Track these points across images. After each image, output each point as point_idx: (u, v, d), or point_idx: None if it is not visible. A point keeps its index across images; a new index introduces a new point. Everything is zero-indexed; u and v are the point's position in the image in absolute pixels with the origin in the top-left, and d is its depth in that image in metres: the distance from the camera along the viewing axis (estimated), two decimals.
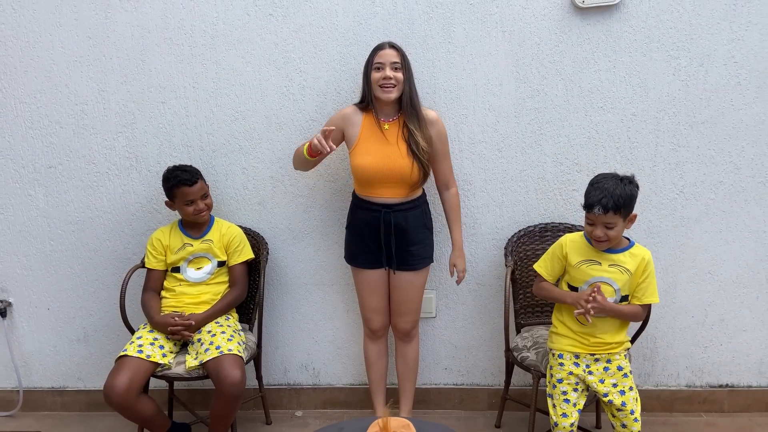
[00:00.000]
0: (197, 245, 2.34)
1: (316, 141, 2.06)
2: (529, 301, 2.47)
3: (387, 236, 2.21)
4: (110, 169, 2.51)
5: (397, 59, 2.15)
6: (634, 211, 1.99)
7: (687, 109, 2.41)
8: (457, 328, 2.64)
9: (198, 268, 2.34)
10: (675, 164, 2.45)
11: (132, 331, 2.38)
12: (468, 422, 2.58)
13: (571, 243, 2.08)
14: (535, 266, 2.15)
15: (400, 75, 2.15)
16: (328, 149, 2.05)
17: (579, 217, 2.48)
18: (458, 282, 2.38)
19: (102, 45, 2.40)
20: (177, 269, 2.34)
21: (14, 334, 2.67)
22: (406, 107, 2.18)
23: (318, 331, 2.67)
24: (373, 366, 2.46)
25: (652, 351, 2.62)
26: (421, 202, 2.28)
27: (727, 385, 2.65)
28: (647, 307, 2.09)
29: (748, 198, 2.47)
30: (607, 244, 1.99)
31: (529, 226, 2.48)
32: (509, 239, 2.47)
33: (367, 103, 2.22)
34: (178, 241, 2.34)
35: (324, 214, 2.55)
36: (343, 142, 2.28)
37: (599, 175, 2.02)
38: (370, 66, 2.18)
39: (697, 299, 2.56)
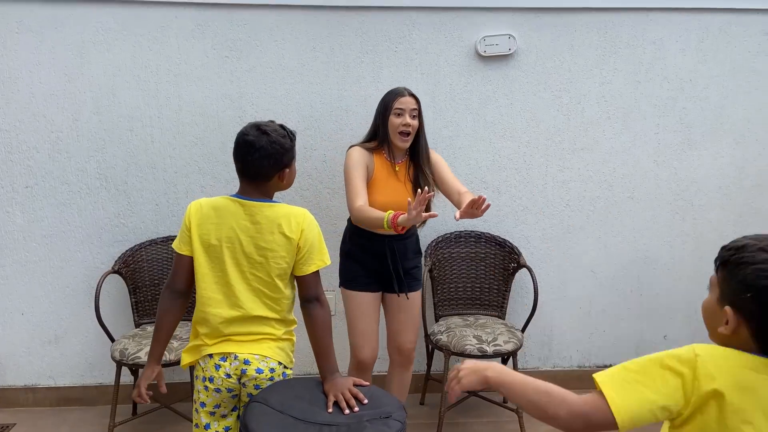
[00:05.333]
0: None
1: (414, 214, 1.93)
2: (445, 295, 2.96)
3: (394, 263, 2.34)
4: (82, 189, 2.85)
5: (416, 107, 2.30)
6: None
7: (570, 138, 2.98)
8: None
9: None
10: (562, 182, 3.01)
11: (108, 334, 2.68)
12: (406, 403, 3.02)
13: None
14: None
15: (416, 123, 2.31)
16: (432, 214, 2.00)
17: (486, 226, 2.99)
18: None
19: (76, 81, 2.76)
20: None
21: None
22: (423, 153, 2.35)
23: None
24: None
25: (549, 338, 3.15)
26: (415, 230, 2.47)
27: (610, 365, 3.19)
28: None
29: (620, 210, 3.05)
30: None
31: (446, 233, 2.98)
32: (429, 243, 2.95)
33: (380, 144, 2.34)
34: None
35: None
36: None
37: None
38: (388, 110, 2.29)
39: (583, 293, 3.11)
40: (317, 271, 1.82)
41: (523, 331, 2.82)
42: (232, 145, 1.81)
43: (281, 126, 1.81)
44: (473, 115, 2.93)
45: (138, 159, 2.84)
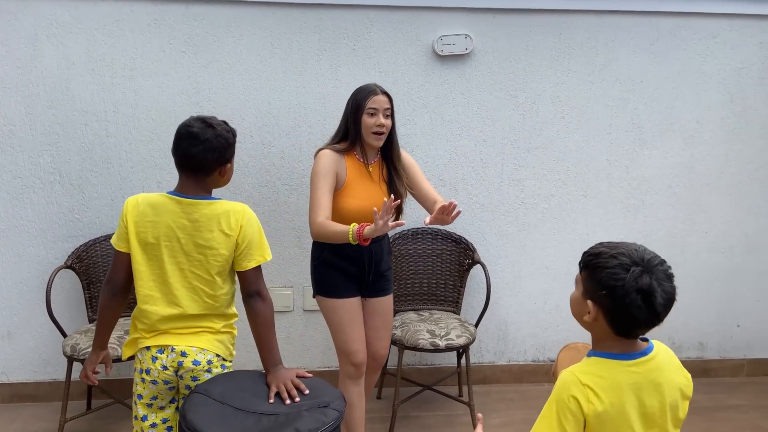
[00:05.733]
0: None
1: (381, 224, 1.92)
2: (402, 291, 3.00)
3: (370, 266, 2.28)
4: (35, 183, 2.82)
5: (389, 106, 2.22)
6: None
7: (525, 137, 3.04)
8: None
9: None
10: (517, 180, 3.07)
11: (60, 329, 2.67)
12: None
13: None
14: None
15: (389, 122, 2.22)
16: (398, 223, 1.98)
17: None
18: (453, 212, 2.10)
19: (30, 74, 2.72)
20: None
21: None
22: (395, 153, 2.29)
23: None
24: (356, 409, 2.34)
25: (504, 333, 3.21)
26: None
27: None
28: None
29: (573, 208, 3.12)
30: None
31: (403, 230, 3.02)
32: None
33: (351, 145, 2.24)
34: None
35: None
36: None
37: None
38: (361, 110, 2.20)
39: (537, 289, 3.18)
40: (258, 267, 1.84)
41: (476, 325, 2.87)
42: None
43: (224, 122, 1.82)
44: (431, 113, 2.97)
45: (93, 154, 2.82)
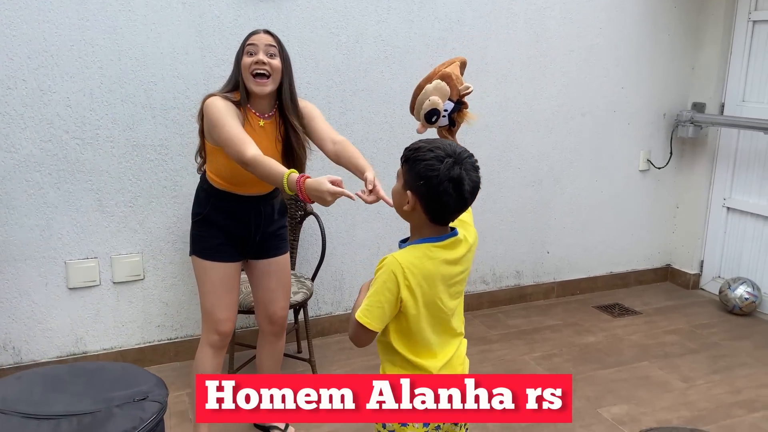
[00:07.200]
0: None
1: (339, 191, 1.69)
2: None
3: (257, 227, 2.07)
4: None
5: (273, 43, 1.93)
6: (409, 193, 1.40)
7: (350, 79, 2.89)
8: (167, 287, 2.78)
9: None
10: (345, 124, 2.93)
11: None
12: (184, 371, 2.77)
13: None
14: None
15: (276, 63, 1.91)
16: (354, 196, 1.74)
17: None
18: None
19: None
20: None
21: None
22: (287, 104, 1.97)
23: (14, 308, 2.56)
24: None
25: (340, 282, 3.13)
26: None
27: None
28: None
29: (401, 150, 3.07)
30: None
31: None
32: None
33: (241, 97, 1.93)
34: None
35: (6, 184, 2.43)
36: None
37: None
38: (241, 50, 1.93)
39: (371, 235, 3.13)
40: None
41: (313, 279, 2.74)
42: None
43: None
44: None
45: None
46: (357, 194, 1.77)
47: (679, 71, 3.67)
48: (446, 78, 1.61)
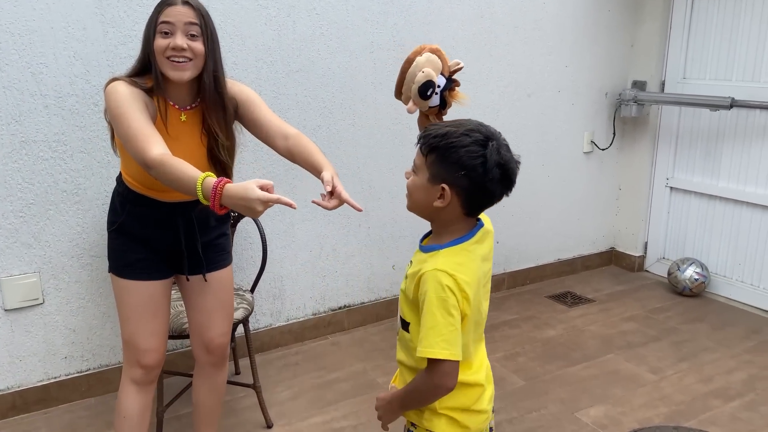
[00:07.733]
0: None
1: (271, 198, 1.36)
2: None
3: (189, 236, 1.70)
4: None
5: (195, 20, 1.52)
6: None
7: (282, 59, 2.53)
8: (72, 310, 2.33)
9: None
10: (279, 111, 2.53)
11: None
12: (99, 408, 2.33)
13: None
14: None
15: (198, 46, 1.53)
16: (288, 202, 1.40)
17: None
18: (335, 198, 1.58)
19: None
20: None
21: None
22: (210, 93, 1.58)
23: None
24: (135, 426, 1.76)
25: (280, 290, 2.78)
26: None
27: (345, 306, 3.00)
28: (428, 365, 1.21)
29: (342, 139, 2.76)
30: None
31: None
32: None
33: (154, 83, 1.55)
34: None
35: None
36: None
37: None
38: (152, 28, 1.53)
39: (312, 234, 2.79)
40: None
41: (252, 290, 2.38)
42: None
43: None
44: None
45: None
46: (314, 201, 1.49)
47: (619, 48, 3.57)
48: (436, 52, 1.41)
